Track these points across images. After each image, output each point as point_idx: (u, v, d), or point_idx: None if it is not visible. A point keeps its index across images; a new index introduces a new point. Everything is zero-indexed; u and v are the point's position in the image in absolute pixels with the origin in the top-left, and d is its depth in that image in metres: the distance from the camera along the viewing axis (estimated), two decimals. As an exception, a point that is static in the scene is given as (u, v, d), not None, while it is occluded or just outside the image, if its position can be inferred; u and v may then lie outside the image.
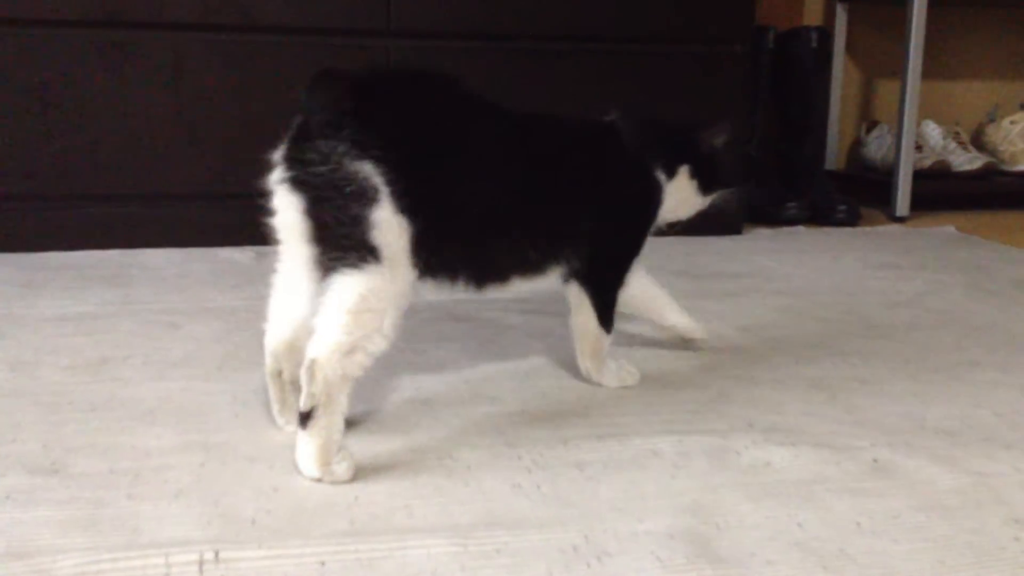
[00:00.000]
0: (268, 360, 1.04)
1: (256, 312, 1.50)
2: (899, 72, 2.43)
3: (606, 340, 1.20)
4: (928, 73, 2.64)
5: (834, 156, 2.76)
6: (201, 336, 1.38)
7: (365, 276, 0.93)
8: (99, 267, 1.78)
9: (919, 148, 2.62)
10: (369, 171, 0.92)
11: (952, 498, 0.92)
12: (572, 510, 0.89)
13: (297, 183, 0.94)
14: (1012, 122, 2.75)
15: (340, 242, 0.93)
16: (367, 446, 1.02)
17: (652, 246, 2.06)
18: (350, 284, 0.93)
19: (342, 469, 0.93)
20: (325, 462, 0.93)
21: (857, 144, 2.81)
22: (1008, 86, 2.93)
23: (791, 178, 2.50)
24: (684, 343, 1.36)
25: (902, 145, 2.42)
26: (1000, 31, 2.89)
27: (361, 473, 0.95)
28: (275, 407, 1.05)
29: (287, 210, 0.96)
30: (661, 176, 1.20)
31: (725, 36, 2.17)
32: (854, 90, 2.82)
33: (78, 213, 1.93)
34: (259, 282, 1.69)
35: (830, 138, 2.72)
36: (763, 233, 2.27)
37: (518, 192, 1.06)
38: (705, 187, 1.23)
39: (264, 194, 0.99)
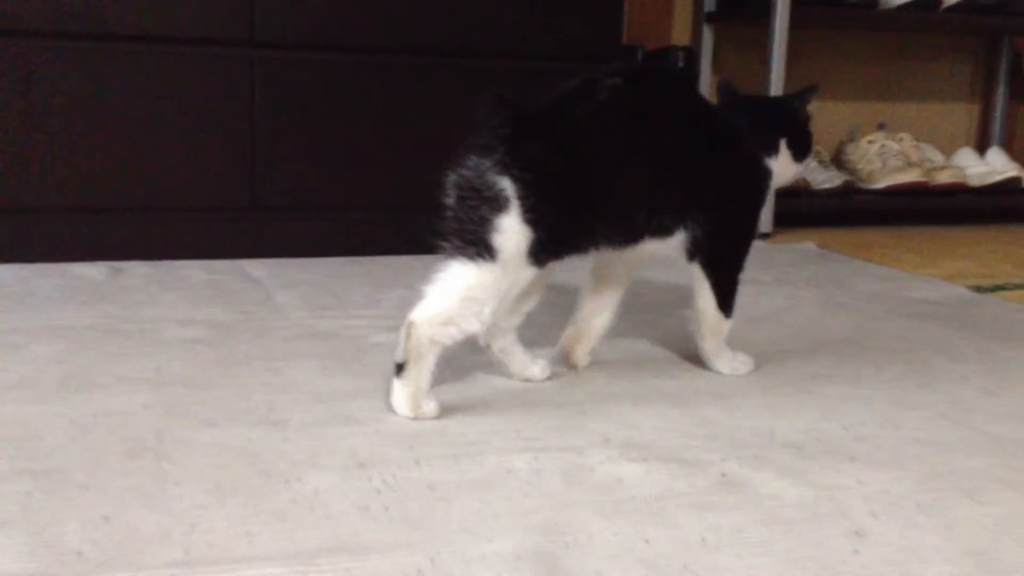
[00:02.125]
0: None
1: (105, 331, 1.45)
2: (763, 92, 2.49)
3: (725, 324, 1.31)
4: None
5: (702, 173, 2.81)
6: (42, 356, 1.32)
7: (478, 269, 1.10)
8: (-62, 284, 1.69)
9: (782, 166, 2.69)
10: (505, 184, 1.10)
11: (796, 512, 0.93)
12: (420, 532, 0.87)
13: (450, 187, 1.14)
14: (870, 142, 2.86)
15: (465, 236, 1.11)
16: (211, 470, 0.98)
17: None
18: (463, 272, 1.11)
19: (430, 408, 1.13)
20: (416, 405, 1.12)
21: (724, 162, 2.87)
22: (867, 107, 3.04)
23: (660, 194, 2.54)
24: (566, 351, 1.35)
25: (766, 163, 2.47)
26: (860, 53, 3.00)
27: (201, 499, 0.91)
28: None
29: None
30: (770, 161, 1.30)
31: (593, 54, 2.19)
32: (721, 109, 2.89)
33: (-83, 227, 1.83)
34: (111, 299, 1.63)
35: (698, 155, 2.77)
36: (632, 249, 2.30)
37: (645, 184, 1.20)
38: (799, 156, 1.33)
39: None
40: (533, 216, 1.11)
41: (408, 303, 1.64)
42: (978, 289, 1.96)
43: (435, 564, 0.82)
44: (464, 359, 1.38)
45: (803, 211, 2.73)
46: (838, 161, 2.90)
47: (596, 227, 1.19)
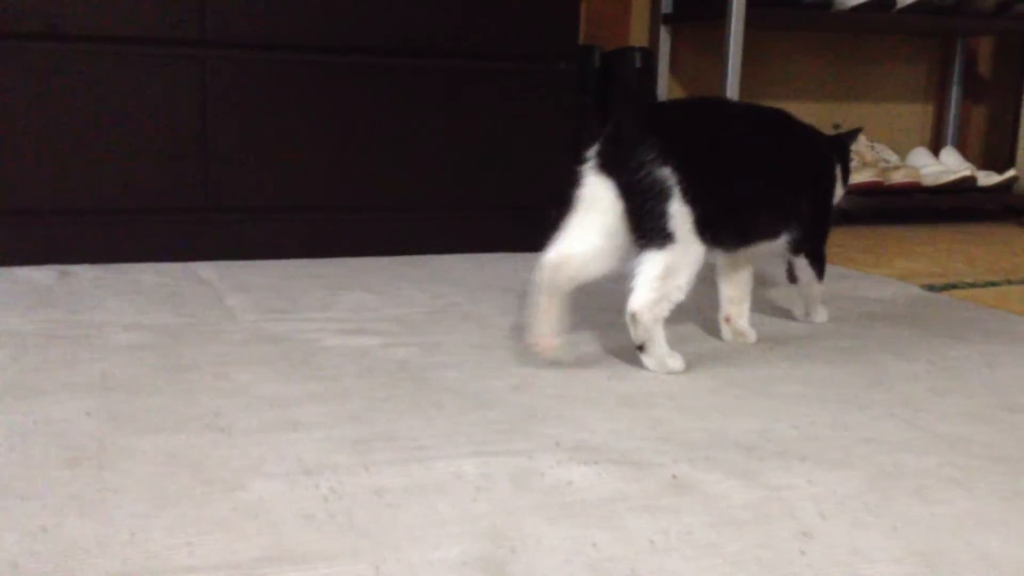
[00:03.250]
0: (541, 272, 1.33)
1: (50, 336, 1.42)
2: (720, 93, 2.50)
3: (821, 288, 1.59)
4: (747, 94, 2.73)
5: (660, 173, 2.82)
6: (-17, 363, 1.29)
7: (665, 252, 1.30)
8: None
9: (739, 166, 2.70)
10: (667, 175, 1.28)
11: (745, 513, 0.93)
12: (366, 540, 0.86)
13: (616, 177, 1.30)
14: (826, 142, 2.87)
15: (647, 229, 1.29)
16: (153, 479, 0.96)
17: (479, 264, 2.05)
18: (656, 258, 1.30)
19: (677, 363, 1.35)
20: (664, 365, 1.34)
21: (682, 162, 2.88)
22: (822, 107, 3.06)
23: (618, 195, 2.54)
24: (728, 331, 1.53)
25: (722, 163, 2.49)
26: (816, 54, 3.02)
27: (141, 508, 0.90)
28: (534, 315, 1.35)
29: (602, 194, 1.31)
30: (837, 173, 1.55)
31: (550, 54, 2.19)
32: (679, 109, 2.89)
33: None
34: (58, 304, 1.60)
35: (656, 156, 2.78)
36: (589, 249, 2.29)
37: (765, 182, 1.41)
38: (844, 182, 1.58)
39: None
40: (691, 198, 1.29)
41: (364, 305, 1.65)
42: (931, 288, 1.97)
43: (380, 572, 0.80)
44: (416, 362, 1.37)
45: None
46: (795, 161, 2.91)
47: (728, 224, 1.37)
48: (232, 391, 1.22)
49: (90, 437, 1.06)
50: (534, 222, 2.26)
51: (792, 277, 1.61)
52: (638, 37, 2.78)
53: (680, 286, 1.32)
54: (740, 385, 1.32)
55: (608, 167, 1.31)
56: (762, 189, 1.40)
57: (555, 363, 1.36)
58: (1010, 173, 2.93)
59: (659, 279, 1.30)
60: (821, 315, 1.66)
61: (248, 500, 0.92)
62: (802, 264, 1.55)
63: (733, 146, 1.38)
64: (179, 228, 1.97)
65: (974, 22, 2.85)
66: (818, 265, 1.56)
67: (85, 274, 1.82)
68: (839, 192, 1.57)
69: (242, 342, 1.43)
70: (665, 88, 2.75)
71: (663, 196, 1.28)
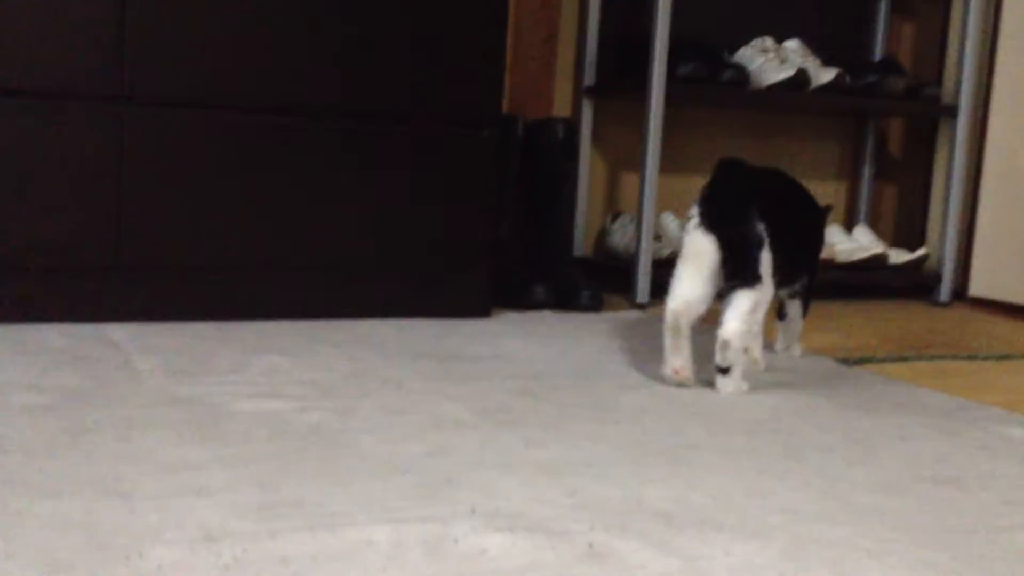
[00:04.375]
0: (670, 318, 1.62)
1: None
2: (641, 166, 2.53)
3: (801, 324, 1.99)
4: (667, 168, 2.78)
5: (581, 243, 2.84)
6: None
7: (755, 291, 1.61)
8: None
9: (658, 238, 2.74)
10: (762, 228, 1.61)
11: (661, 583, 0.91)
12: (269, 610, 0.82)
13: (718, 233, 1.61)
14: (743, 216, 2.92)
15: (743, 273, 1.61)
16: (47, 545, 0.91)
17: (400, 329, 2.03)
18: (748, 295, 1.61)
19: (745, 385, 1.66)
20: (739, 390, 1.65)
21: (603, 233, 2.91)
22: (741, 183, 3.12)
23: (539, 263, 2.55)
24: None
25: (642, 235, 2.52)
26: (734, 130, 3.09)
27: (31, 577, 0.85)
28: (668, 351, 1.65)
29: (706, 247, 1.62)
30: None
31: (473, 121, 2.20)
32: (600, 181, 2.93)
33: None
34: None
35: (578, 226, 2.80)
36: (510, 317, 2.29)
37: (802, 237, 1.84)
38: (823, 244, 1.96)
39: None
40: (773, 248, 1.62)
41: (278, 369, 1.62)
42: (844, 361, 2.00)
43: (282, 644, 0.77)
44: (330, 426, 1.33)
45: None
46: (713, 234, 2.96)
47: (785, 268, 1.69)
48: (135, 455, 1.18)
49: (-20, 501, 1.00)
50: (455, 288, 2.26)
51: (781, 315, 1.97)
52: (561, 108, 2.82)
53: (759, 319, 1.66)
54: (657, 453, 1.31)
55: (712, 225, 1.61)
56: (801, 243, 1.81)
57: (469, 429, 1.34)
58: (921, 251, 3.02)
59: (749, 312, 1.60)
60: (797, 350, 2.01)
61: (146, 568, 0.88)
62: (795, 305, 1.93)
63: (790, 210, 1.77)
64: (89, 288, 1.92)
65: (885, 104, 2.95)
66: (805, 305, 1.95)
67: (-13, 332, 1.75)
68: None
69: (148, 405, 1.39)
70: (587, 159, 2.78)
71: (758, 246, 1.60)
